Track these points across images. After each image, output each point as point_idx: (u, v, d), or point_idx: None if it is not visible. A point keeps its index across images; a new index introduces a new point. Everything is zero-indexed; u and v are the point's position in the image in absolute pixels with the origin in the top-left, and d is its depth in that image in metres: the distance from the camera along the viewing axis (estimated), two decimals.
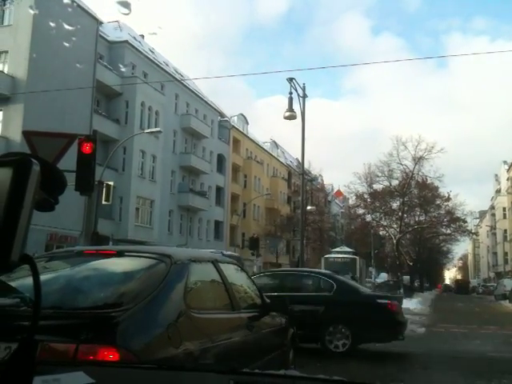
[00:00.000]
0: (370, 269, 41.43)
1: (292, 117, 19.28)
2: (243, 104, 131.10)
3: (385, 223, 43.27)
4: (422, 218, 44.14)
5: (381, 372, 8.02)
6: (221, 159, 47.69)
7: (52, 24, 22.49)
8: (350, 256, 33.70)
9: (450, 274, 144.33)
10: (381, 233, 45.81)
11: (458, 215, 42.34)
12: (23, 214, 0.83)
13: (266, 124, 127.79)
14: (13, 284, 2.87)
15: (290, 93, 19.10)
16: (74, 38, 23.69)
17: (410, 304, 27.45)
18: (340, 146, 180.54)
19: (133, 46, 34.74)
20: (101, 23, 31.65)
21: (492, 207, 79.35)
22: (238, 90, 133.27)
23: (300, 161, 22.66)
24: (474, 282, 79.29)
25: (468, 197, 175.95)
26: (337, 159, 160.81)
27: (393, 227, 42.60)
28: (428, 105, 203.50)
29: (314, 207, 41.15)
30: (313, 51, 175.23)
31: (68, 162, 7.45)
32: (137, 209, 33.06)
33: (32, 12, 23.36)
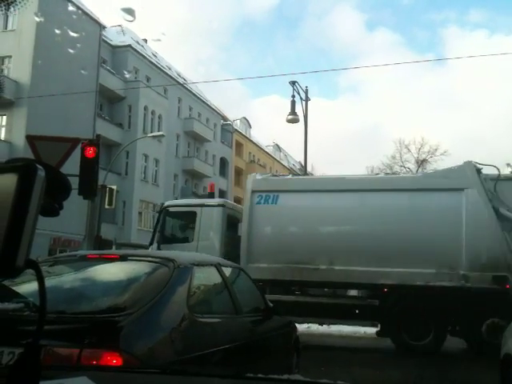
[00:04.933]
0: None
1: (295, 120, 19.23)
2: (240, 103, 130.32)
3: None
4: None
5: (384, 376, 8.00)
6: (223, 163, 47.71)
7: (55, 28, 22.57)
8: None
9: None
10: None
11: None
12: (28, 219, 0.83)
13: (264, 123, 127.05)
14: (15, 289, 2.88)
15: (293, 96, 19.06)
16: (77, 43, 23.75)
17: None
18: (340, 145, 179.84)
19: (136, 51, 34.84)
20: (104, 28, 31.77)
21: None
22: (233, 88, 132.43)
23: (303, 164, 22.67)
24: None
25: None
26: (338, 158, 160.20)
27: None
28: (428, 103, 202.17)
29: None
30: (307, 47, 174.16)
31: (71, 166, 7.47)
32: (140, 213, 33.09)
33: (37, 19, 23.41)
